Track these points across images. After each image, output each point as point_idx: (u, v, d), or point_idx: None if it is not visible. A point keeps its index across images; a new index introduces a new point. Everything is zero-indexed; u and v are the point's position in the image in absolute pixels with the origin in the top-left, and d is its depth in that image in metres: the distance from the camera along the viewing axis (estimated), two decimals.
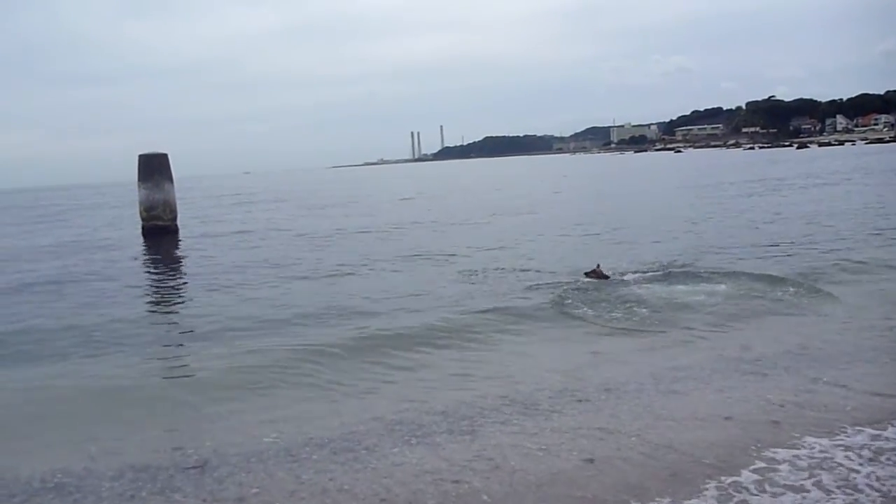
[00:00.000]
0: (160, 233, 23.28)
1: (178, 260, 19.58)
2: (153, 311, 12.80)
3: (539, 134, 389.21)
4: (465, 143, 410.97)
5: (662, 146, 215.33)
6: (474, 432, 6.03)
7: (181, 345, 10.04)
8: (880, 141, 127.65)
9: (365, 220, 27.49)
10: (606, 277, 12.42)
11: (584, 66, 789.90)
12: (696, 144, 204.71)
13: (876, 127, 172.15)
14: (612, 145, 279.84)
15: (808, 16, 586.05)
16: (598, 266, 12.69)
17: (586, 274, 12.58)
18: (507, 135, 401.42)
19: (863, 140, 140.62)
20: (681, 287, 11.68)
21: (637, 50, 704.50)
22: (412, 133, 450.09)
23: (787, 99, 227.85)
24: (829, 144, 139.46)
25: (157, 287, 15.43)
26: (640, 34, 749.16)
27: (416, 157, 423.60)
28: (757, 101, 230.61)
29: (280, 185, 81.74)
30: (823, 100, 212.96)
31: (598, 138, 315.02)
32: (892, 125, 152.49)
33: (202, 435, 6.30)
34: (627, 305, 10.59)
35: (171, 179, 23.76)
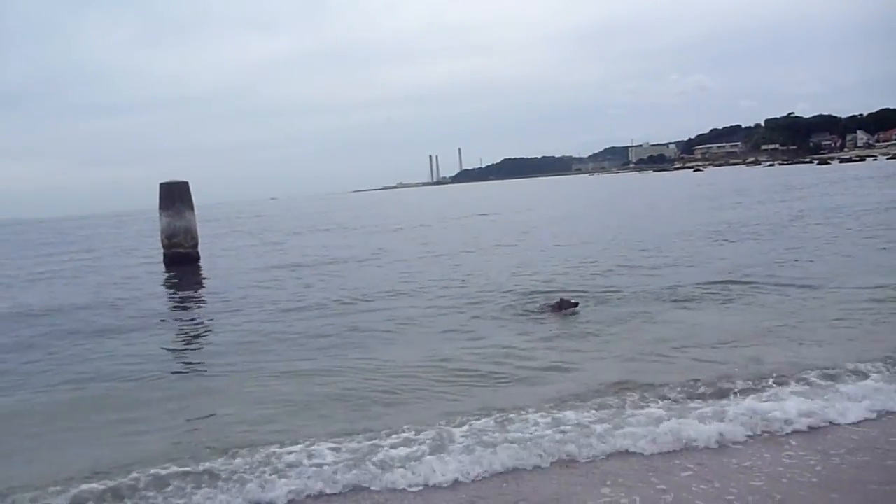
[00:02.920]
0: (182, 260, 23.56)
1: (199, 288, 19.73)
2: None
3: (557, 155, 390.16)
4: (483, 166, 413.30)
5: (682, 165, 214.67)
6: None
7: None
8: None
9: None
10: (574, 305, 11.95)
11: (602, 86, 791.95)
12: (716, 163, 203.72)
13: None
14: (631, 165, 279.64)
15: (829, 31, 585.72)
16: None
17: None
18: (525, 157, 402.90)
19: (884, 155, 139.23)
20: None
21: (655, 70, 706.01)
22: (430, 156, 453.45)
23: (806, 115, 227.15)
24: (850, 160, 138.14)
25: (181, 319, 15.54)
26: (657, 54, 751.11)
27: (435, 180, 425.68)
28: (776, 119, 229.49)
29: (320, 211, 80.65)
30: (844, 115, 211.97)
31: (616, 158, 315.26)
32: None
33: None
34: None
35: (191, 207, 24.05)
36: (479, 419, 6.92)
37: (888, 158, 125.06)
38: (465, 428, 6.71)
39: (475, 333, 11.15)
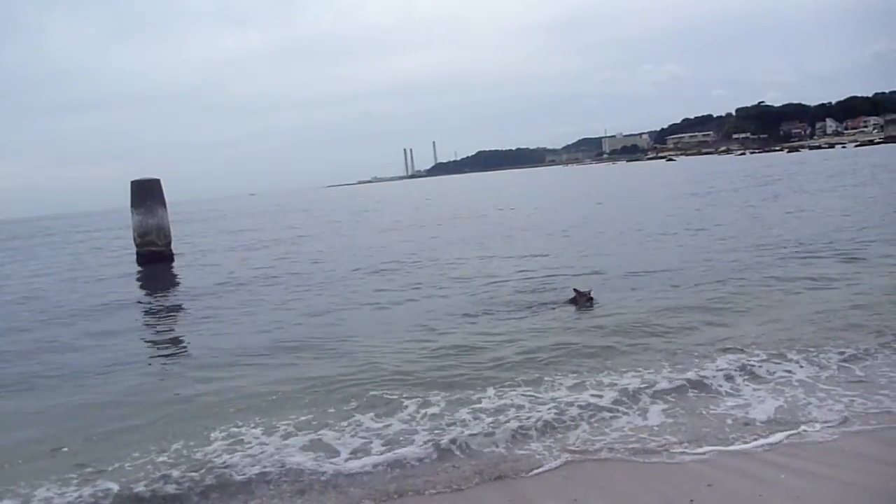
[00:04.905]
0: (155, 258, 23.26)
1: (173, 286, 19.50)
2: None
3: (532, 147, 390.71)
4: (458, 159, 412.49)
5: (655, 155, 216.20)
6: None
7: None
8: (870, 143, 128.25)
9: None
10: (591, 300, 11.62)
11: (576, 77, 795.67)
12: (688, 152, 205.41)
13: (865, 129, 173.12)
14: (605, 156, 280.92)
15: (799, 20, 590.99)
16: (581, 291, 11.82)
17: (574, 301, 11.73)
18: (499, 149, 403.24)
19: (853, 142, 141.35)
20: None
21: (628, 60, 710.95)
22: (405, 150, 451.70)
23: (776, 104, 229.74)
24: (819, 148, 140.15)
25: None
26: (631, 44, 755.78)
27: (410, 173, 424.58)
28: (747, 108, 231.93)
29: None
30: (813, 104, 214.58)
31: (590, 149, 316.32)
32: (881, 127, 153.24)
33: None
34: None
35: (164, 204, 23.71)
36: None
37: (856, 146, 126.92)
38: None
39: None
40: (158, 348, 11.34)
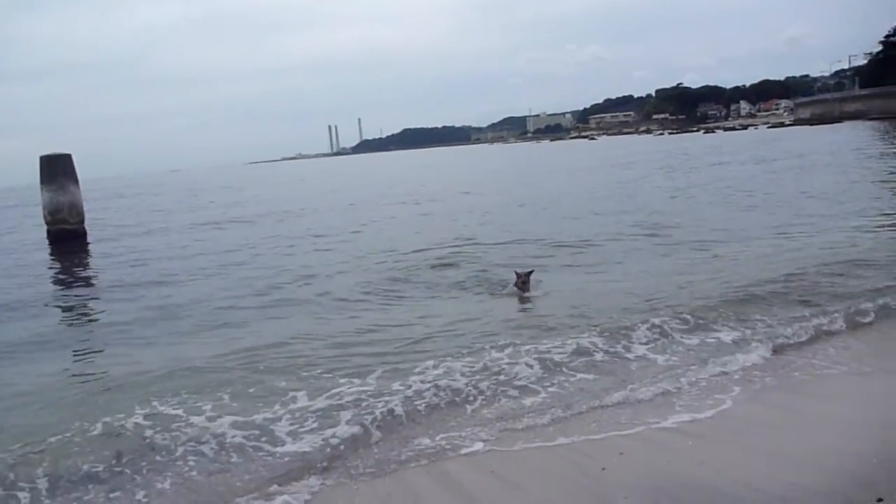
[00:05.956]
0: (67, 236, 22.32)
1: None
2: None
3: (457, 125, 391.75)
4: (383, 136, 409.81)
5: (577, 134, 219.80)
6: None
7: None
8: (781, 125, 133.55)
9: None
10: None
11: (501, 56, 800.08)
12: (610, 132, 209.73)
13: (777, 111, 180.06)
14: (529, 135, 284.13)
15: (717, 5, 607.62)
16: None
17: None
18: (425, 126, 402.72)
19: (765, 124, 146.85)
20: None
21: (553, 40, 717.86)
22: (330, 127, 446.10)
23: (694, 86, 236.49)
24: (733, 129, 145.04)
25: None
26: (556, 24, 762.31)
27: (335, 150, 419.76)
28: (666, 89, 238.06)
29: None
30: (728, 86, 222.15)
31: (514, 128, 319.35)
32: (791, 109, 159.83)
33: None
34: None
35: (76, 181, 22.76)
36: None
37: (768, 127, 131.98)
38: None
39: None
40: (71, 357, 9.96)
